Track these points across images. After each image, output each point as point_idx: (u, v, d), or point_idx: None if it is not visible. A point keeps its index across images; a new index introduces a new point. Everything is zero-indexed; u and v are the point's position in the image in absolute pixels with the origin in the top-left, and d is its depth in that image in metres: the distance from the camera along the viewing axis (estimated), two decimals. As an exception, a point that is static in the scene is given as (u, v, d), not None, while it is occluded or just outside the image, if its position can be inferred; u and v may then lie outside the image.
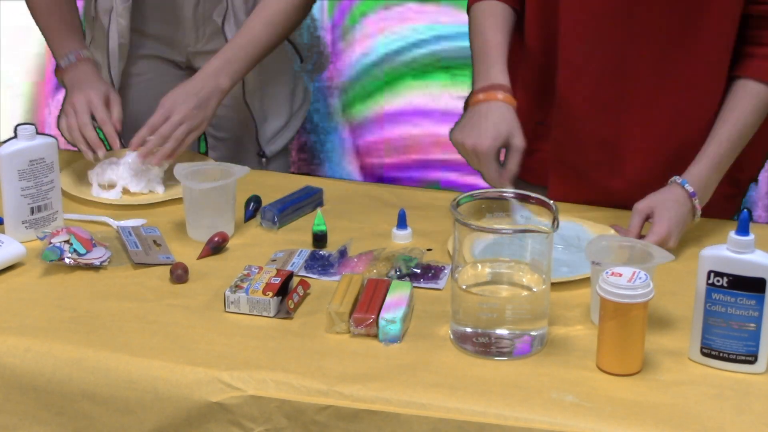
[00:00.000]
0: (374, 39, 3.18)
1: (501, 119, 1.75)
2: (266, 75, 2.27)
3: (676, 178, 1.78)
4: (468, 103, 1.83)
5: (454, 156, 2.01)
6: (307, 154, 3.32)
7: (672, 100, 1.84)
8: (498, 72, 1.82)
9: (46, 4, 2.20)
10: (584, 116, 1.90)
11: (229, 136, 2.37)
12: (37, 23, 2.23)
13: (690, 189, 1.77)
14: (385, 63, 3.22)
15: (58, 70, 2.17)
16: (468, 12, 1.97)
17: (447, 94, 3.17)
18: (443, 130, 3.01)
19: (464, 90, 3.06)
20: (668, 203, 1.75)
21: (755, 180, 2.01)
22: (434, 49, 3.13)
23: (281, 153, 2.38)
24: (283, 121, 2.36)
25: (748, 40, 1.80)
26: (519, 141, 1.74)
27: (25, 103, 3.45)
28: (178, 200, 1.92)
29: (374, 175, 3.30)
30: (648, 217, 1.75)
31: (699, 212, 1.78)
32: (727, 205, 1.95)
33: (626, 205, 1.83)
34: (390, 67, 3.22)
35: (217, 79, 2.04)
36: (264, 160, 2.33)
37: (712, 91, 1.82)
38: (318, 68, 2.43)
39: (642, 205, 1.76)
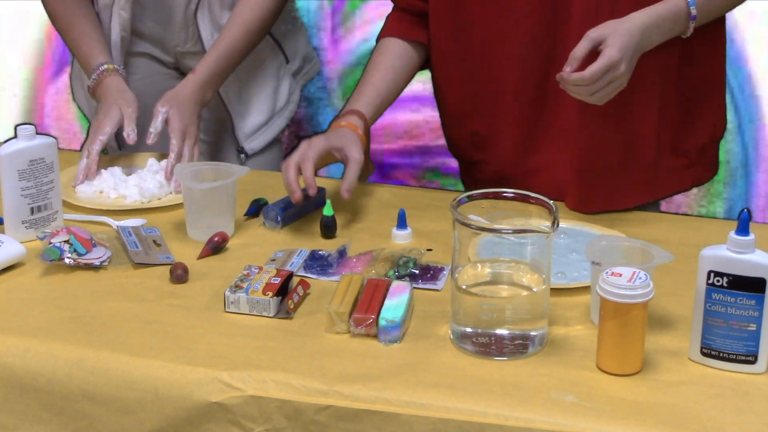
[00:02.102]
0: (375, 25, 3.16)
1: (337, 137, 1.89)
2: (244, 70, 2.27)
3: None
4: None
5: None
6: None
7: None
8: (361, 104, 1.98)
9: (65, 21, 2.22)
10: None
11: (211, 139, 2.37)
12: (64, 41, 2.26)
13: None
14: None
15: (91, 92, 2.20)
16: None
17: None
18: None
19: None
20: (621, 31, 1.77)
21: (706, 150, 2.02)
22: (434, 35, 3.11)
23: (265, 152, 2.37)
24: (264, 118, 2.34)
25: None
26: (355, 153, 1.85)
27: (24, 90, 3.44)
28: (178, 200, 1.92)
29: (374, 162, 3.28)
30: (599, 45, 1.77)
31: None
32: (680, 175, 1.98)
33: None
34: (390, 53, 3.20)
35: (204, 94, 2.13)
36: (243, 156, 2.33)
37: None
38: (306, 75, 2.44)
39: (595, 33, 1.77)
